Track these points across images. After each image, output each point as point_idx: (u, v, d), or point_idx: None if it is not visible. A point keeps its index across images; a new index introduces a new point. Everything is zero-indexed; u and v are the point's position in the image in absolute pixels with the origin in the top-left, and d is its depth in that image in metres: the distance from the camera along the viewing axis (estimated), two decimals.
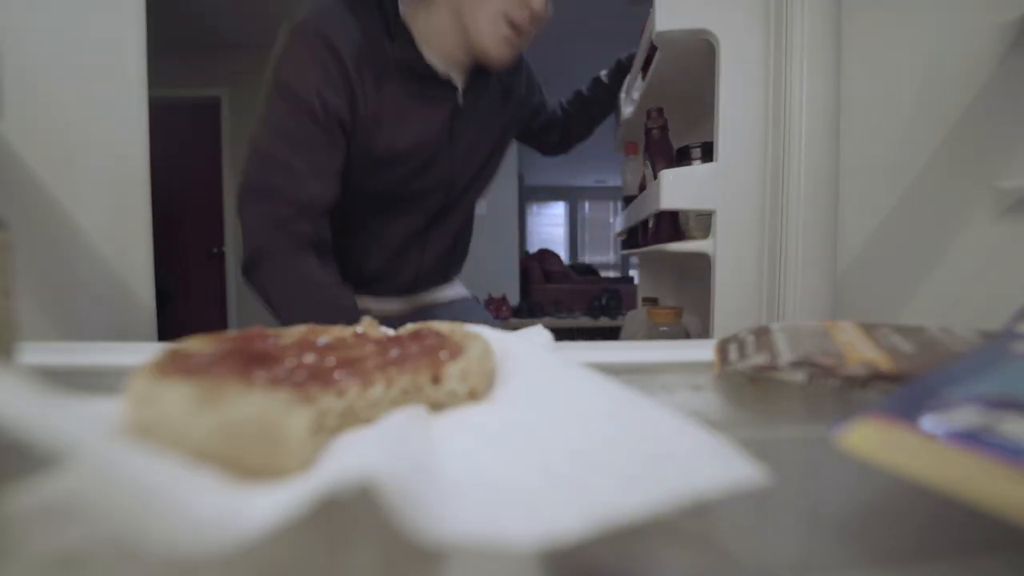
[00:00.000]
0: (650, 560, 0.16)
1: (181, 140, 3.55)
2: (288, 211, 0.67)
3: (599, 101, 1.13)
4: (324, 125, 0.68)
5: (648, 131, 0.98)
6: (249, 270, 0.69)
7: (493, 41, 0.73)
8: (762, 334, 0.35)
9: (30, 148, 0.80)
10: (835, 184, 0.79)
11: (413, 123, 0.75)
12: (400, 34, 0.73)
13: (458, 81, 0.79)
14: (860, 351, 0.30)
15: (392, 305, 0.91)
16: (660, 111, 0.98)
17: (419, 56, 0.74)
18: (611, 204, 8.14)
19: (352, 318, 0.45)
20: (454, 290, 1.03)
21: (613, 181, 7.81)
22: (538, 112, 1.03)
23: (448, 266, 0.97)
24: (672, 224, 0.92)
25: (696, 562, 0.16)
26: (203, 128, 3.61)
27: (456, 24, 0.75)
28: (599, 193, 8.05)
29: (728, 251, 0.81)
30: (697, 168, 0.84)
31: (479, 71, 0.81)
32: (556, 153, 1.15)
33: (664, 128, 0.98)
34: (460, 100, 0.79)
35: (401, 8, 0.75)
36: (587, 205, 8.10)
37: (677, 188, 0.83)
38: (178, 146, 3.52)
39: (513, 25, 0.73)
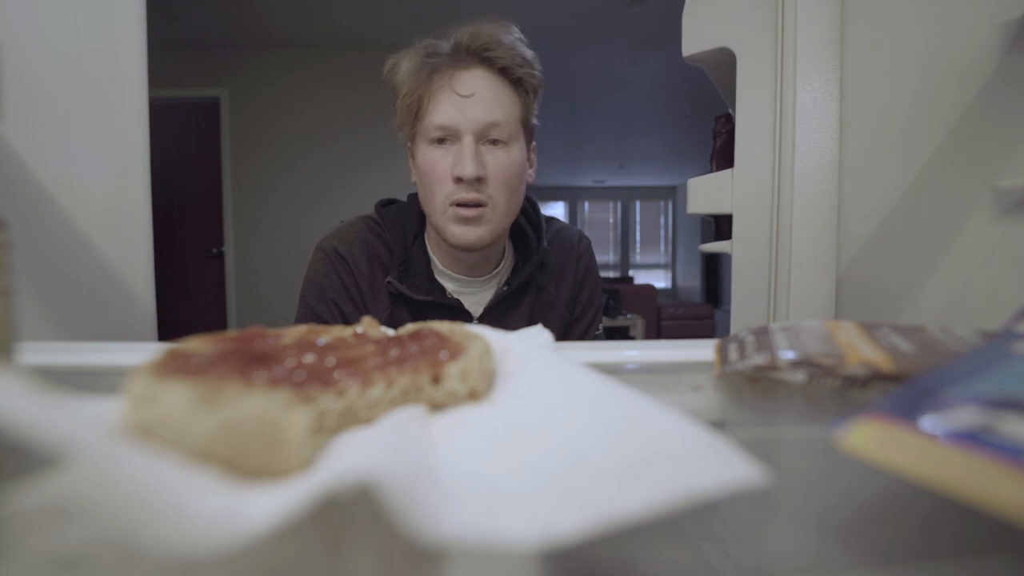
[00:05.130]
0: (650, 560, 0.16)
1: (181, 140, 3.55)
2: None
3: None
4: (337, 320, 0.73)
5: (716, 135, 1.00)
6: None
7: (450, 229, 0.70)
8: (762, 334, 0.35)
9: (30, 148, 0.80)
10: (836, 185, 0.79)
11: None
12: (417, 258, 0.74)
13: (472, 304, 0.76)
14: (860, 351, 0.30)
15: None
16: (728, 117, 1.00)
17: (426, 283, 0.74)
18: (610, 204, 8.13)
19: None
20: None
21: (612, 181, 7.82)
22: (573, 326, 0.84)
23: None
24: (729, 225, 0.93)
25: (696, 562, 0.16)
26: (203, 128, 3.61)
27: (436, 237, 0.74)
28: (599, 193, 8.05)
29: (744, 252, 0.83)
30: (718, 174, 0.87)
31: (508, 292, 0.76)
32: None
33: (731, 133, 0.99)
34: (476, 320, 0.76)
35: (426, 229, 0.76)
36: (587, 205, 8.10)
37: (701, 193, 0.87)
38: (178, 146, 3.52)
39: (460, 204, 0.69)
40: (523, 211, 0.80)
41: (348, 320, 0.73)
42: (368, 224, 0.77)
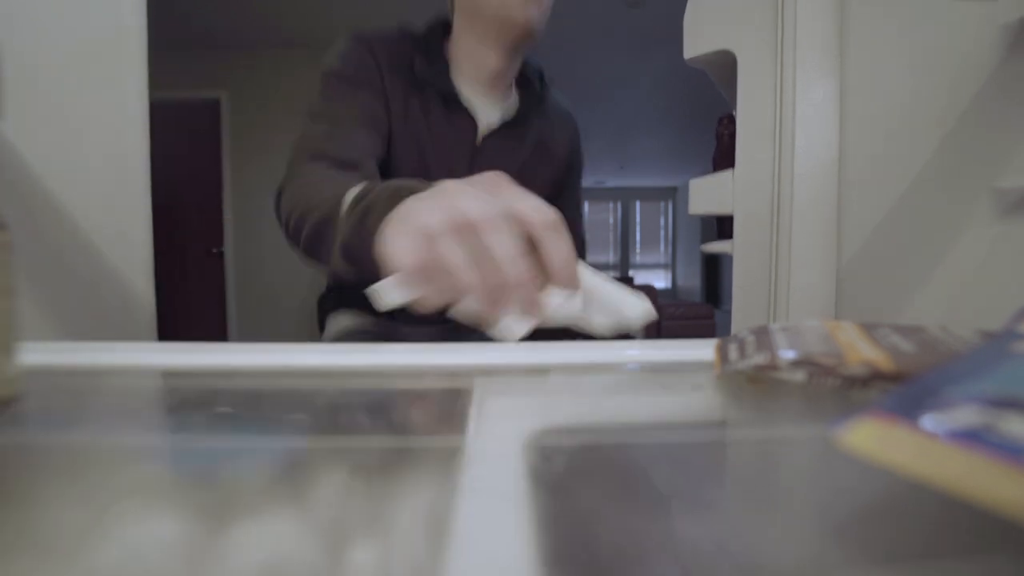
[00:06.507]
0: (650, 559, 0.16)
1: (181, 140, 3.55)
2: (325, 157, 0.65)
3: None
4: (361, 85, 0.71)
5: (719, 136, 1.00)
6: (275, 203, 0.70)
7: (514, 7, 0.70)
8: (762, 334, 0.35)
9: (30, 148, 0.80)
10: (836, 185, 0.79)
11: (428, 138, 0.76)
12: (436, 59, 0.77)
13: (482, 118, 0.79)
14: (860, 351, 0.30)
15: (424, 330, 0.88)
16: (731, 118, 1.00)
17: (446, 78, 0.76)
18: (611, 204, 8.13)
19: (331, 204, 0.50)
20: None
21: (612, 182, 7.82)
22: (569, 193, 0.92)
23: None
24: (731, 226, 0.94)
25: (696, 562, 0.16)
26: (203, 128, 3.61)
27: (473, 39, 0.76)
28: (599, 194, 8.05)
29: (745, 252, 0.84)
30: (719, 174, 0.87)
31: (513, 121, 0.80)
32: None
33: (733, 134, 0.99)
34: (479, 140, 0.79)
35: (446, 43, 0.80)
36: (587, 205, 8.10)
37: (702, 194, 0.88)
38: (178, 146, 3.52)
39: None
40: (528, 69, 0.84)
41: (368, 76, 0.72)
42: (390, 28, 0.79)
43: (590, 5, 3.07)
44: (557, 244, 0.32)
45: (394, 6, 3.08)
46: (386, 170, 0.74)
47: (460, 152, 0.78)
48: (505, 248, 0.30)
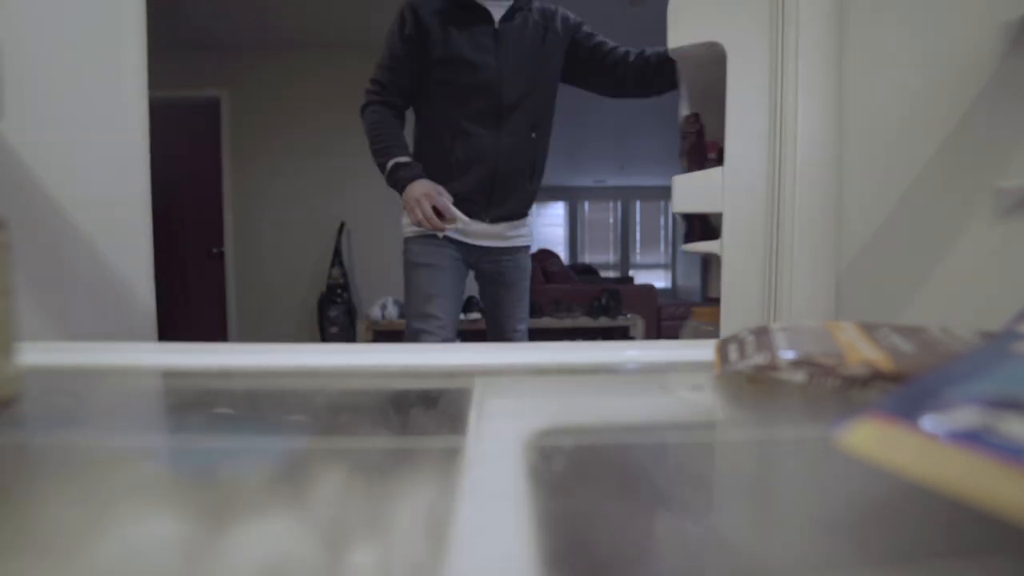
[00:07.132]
0: (650, 559, 0.16)
1: (181, 140, 3.55)
2: (378, 87, 1.24)
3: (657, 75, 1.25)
4: (401, 48, 1.19)
5: (685, 135, 1.00)
6: (361, 112, 1.25)
7: None
8: (762, 334, 0.35)
9: (30, 148, 0.80)
10: (836, 185, 0.79)
11: (462, 38, 1.16)
12: None
13: (495, 12, 1.17)
14: (860, 351, 0.30)
15: (469, 212, 1.21)
16: (697, 117, 1.00)
17: None
18: (611, 204, 8.13)
19: (386, 153, 1.21)
20: (523, 237, 1.32)
21: (612, 181, 7.81)
22: (587, 40, 1.29)
23: (524, 167, 1.24)
24: (703, 225, 0.94)
25: (696, 562, 0.16)
26: (203, 128, 3.61)
27: None
28: (599, 193, 8.04)
29: (734, 252, 0.83)
30: (706, 172, 0.86)
31: (516, 9, 1.18)
32: (614, 93, 1.34)
33: (700, 133, 0.99)
34: (496, 24, 1.17)
35: None
36: (587, 205, 8.09)
37: (687, 192, 0.86)
38: (178, 146, 3.52)
39: None
40: None
41: (405, 40, 1.19)
42: None
43: (590, 2, 3.07)
44: (447, 207, 1.15)
45: (392, 6, 3.08)
46: (436, 59, 1.18)
47: (484, 34, 1.17)
48: (429, 210, 1.13)
